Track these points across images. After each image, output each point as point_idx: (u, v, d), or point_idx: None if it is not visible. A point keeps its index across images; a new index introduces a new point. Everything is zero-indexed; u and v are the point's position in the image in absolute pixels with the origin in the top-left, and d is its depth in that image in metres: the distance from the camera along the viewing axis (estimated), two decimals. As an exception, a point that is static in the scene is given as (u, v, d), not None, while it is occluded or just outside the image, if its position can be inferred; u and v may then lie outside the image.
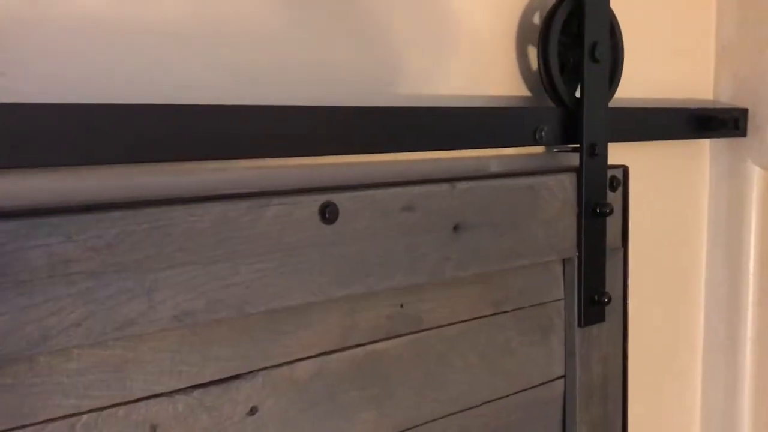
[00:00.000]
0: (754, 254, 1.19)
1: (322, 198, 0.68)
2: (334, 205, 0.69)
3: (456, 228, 0.79)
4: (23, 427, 0.54)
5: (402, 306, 0.78)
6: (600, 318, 0.95)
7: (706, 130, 1.11)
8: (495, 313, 0.87)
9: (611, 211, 0.92)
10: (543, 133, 0.89)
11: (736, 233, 1.19)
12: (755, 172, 1.17)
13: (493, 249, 0.82)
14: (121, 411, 0.59)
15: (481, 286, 0.85)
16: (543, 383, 0.92)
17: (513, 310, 0.88)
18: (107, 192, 0.62)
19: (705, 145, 1.20)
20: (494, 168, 0.91)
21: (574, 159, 0.92)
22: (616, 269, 0.97)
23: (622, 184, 0.97)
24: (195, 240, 0.60)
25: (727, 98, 1.19)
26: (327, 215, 0.68)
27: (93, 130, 0.56)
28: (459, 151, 0.85)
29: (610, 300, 0.93)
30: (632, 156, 1.02)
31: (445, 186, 0.78)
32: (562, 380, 0.95)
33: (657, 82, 1.12)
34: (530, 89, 0.93)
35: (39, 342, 0.53)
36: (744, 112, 1.15)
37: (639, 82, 1.07)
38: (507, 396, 0.88)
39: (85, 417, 0.57)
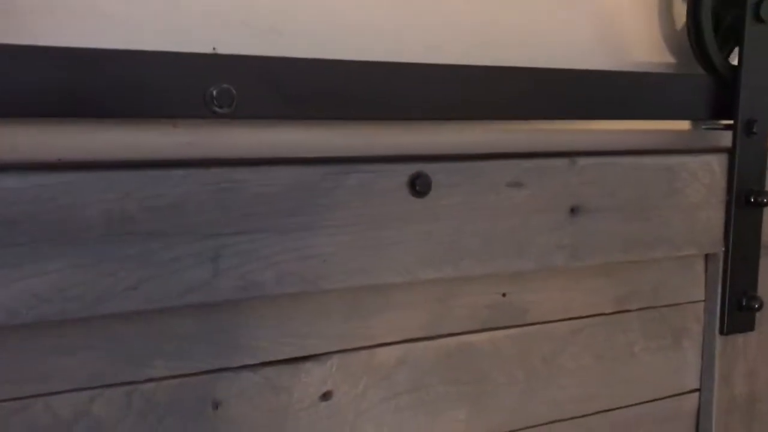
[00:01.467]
0: None
1: (413, 168, 0.61)
2: (426, 176, 0.61)
3: (573, 210, 0.69)
4: (72, 391, 0.51)
5: (504, 295, 0.69)
6: (748, 326, 0.81)
7: None
8: (617, 311, 0.75)
9: (769, 201, 0.77)
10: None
11: None
12: None
13: (617, 237, 0.71)
14: (181, 383, 0.55)
15: (603, 279, 0.74)
16: (672, 396, 0.80)
17: (639, 309, 0.77)
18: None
19: None
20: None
21: (727, 138, 0.78)
22: (772, 270, 0.82)
23: (787, 170, 0.81)
24: (266, 206, 0.55)
25: None
26: (417, 187, 0.61)
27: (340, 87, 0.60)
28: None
29: (761, 305, 0.79)
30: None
31: (563, 161, 0.68)
32: (697, 394, 0.81)
33: None
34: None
35: (92, 303, 0.50)
36: None
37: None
38: (626, 407, 0.77)
39: (142, 387, 0.54)
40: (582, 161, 0.69)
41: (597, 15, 0.75)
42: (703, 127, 0.82)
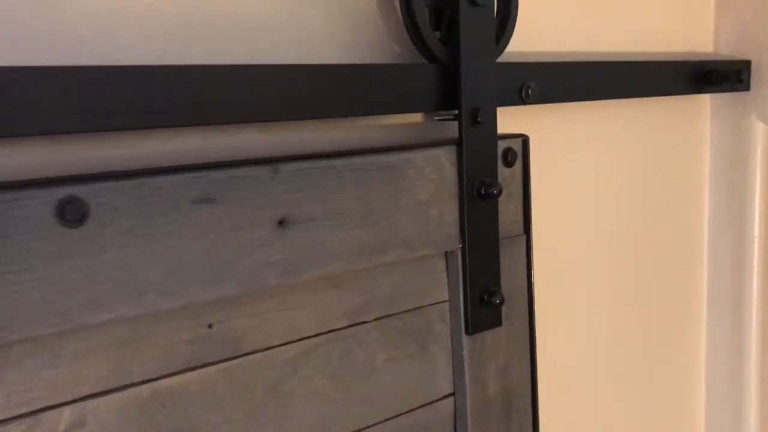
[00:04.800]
0: (759, 216, 1.07)
1: (60, 192, 0.50)
2: (80, 201, 0.51)
3: (282, 222, 0.61)
4: None
5: (211, 326, 0.60)
6: (495, 322, 0.78)
7: (707, 84, 1.00)
8: (351, 325, 0.69)
9: (500, 192, 0.74)
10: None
11: (739, 194, 1.08)
12: (759, 129, 1.05)
13: (337, 246, 0.65)
14: None
15: (332, 292, 0.68)
16: (425, 405, 0.75)
17: (377, 318, 0.71)
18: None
19: (706, 100, 1.09)
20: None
21: (455, 130, 0.74)
22: (516, 262, 0.80)
23: (520, 158, 0.79)
24: None
25: (728, 50, 1.07)
26: (68, 216, 0.50)
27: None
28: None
29: (502, 300, 0.76)
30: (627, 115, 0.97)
31: (263, 169, 0.60)
32: (451, 399, 0.78)
33: (652, 34, 1.00)
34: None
35: None
36: (747, 64, 1.04)
37: (629, 34, 0.97)
38: (374, 425, 0.71)
39: None
40: (287, 167, 0.61)
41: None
42: (436, 118, 0.78)
